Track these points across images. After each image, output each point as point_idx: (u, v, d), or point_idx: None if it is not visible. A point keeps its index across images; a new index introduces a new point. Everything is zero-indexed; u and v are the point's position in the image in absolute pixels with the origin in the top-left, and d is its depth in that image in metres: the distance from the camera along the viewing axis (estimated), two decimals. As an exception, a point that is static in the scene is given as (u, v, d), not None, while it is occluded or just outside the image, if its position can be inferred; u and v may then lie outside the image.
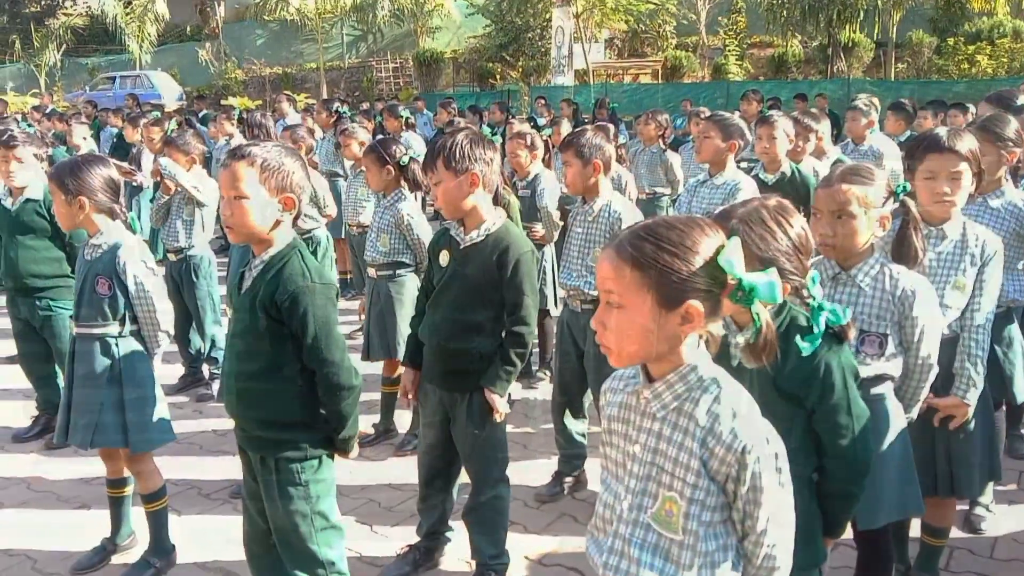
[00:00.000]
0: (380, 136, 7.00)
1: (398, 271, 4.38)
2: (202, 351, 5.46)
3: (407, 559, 3.26)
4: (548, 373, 5.38)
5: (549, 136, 6.46)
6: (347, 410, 2.46)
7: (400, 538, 3.46)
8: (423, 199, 6.83)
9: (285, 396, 2.43)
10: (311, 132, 7.23)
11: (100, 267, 3.18)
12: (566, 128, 6.95)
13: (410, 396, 3.24)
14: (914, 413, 2.58)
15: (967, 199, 2.78)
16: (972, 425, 2.79)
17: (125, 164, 6.18)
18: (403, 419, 4.59)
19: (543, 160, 5.52)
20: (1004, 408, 3.97)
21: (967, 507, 3.48)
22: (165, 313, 3.28)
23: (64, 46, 29.73)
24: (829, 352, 1.98)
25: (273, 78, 28.86)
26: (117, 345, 3.20)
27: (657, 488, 1.59)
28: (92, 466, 3.93)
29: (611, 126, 6.03)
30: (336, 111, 9.07)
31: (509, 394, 4.97)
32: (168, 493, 3.38)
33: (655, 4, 24.98)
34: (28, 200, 4.46)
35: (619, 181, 6.06)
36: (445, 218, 3.06)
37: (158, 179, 5.17)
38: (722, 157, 4.31)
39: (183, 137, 5.38)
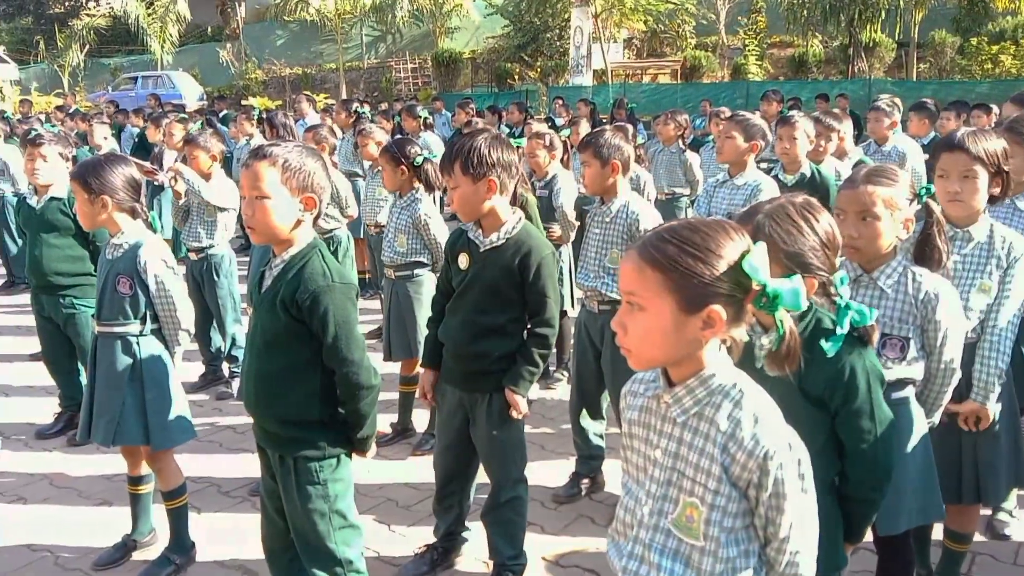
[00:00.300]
0: (398, 136, 7.02)
1: (416, 271, 4.40)
2: (222, 350, 5.50)
3: (424, 559, 3.27)
4: (565, 374, 5.37)
5: (568, 136, 6.44)
6: (366, 409, 2.47)
7: (417, 537, 3.47)
8: (440, 199, 6.84)
9: (304, 395, 2.44)
10: (332, 131, 7.26)
11: (121, 266, 3.20)
12: (585, 128, 6.94)
13: (428, 397, 3.24)
14: (936, 418, 2.55)
15: (992, 201, 2.74)
16: (997, 429, 2.76)
17: (147, 163, 6.23)
18: (421, 418, 4.60)
19: (561, 160, 5.51)
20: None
21: (990, 512, 3.44)
22: (185, 312, 3.30)
23: (87, 47, 30.04)
24: (854, 355, 1.95)
25: (293, 78, 29.02)
26: (138, 344, 3.23)
27: (678, 494, 1.58)
28: (113, 463, 3.98)
29: (630, 126, 6.01)
30: (355, 111, 9.10)
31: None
32: (188, 490, 3.40)
33: (674, 4, 24.88)
34: (53, 198, 4.51)
35: (638, 181, 6.03)
36: (462, 221, 3.06)
37: (174, 173, 5.20)
38: (743, 158, 4.29)
39: (203, 135, 5.43)
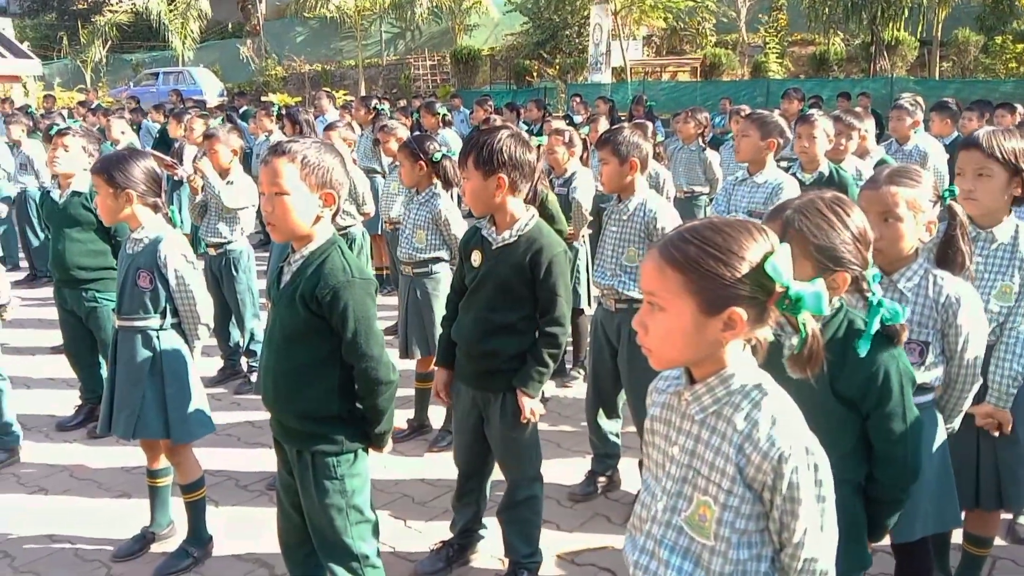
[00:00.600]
0: (417, 133, 7.03)
1: (433, 267, 4.40)
2: (241, 344, 5.53)
3: (441, 555, 3.27)
4: (582, 372, 5.36)
5: (587, 134, 6.43)
6: (384, 405, 2.48)
7: (433, 533, 3.48)
8: (459, 196, 6.85)
9: (322, 390, 2.45)
10: (350, 127, 7.28)
11: (142, 261, 3.23)
12: (603, 126, 6.92)
13: (442, 396, 3.24)
14: (956, 424, 2.51)
15: (1018, 202, 2.69)
16: (1017, 433, 2.72)
17: (167, 158, 6.28)
18: (437, 415, 4.61)
19: (580, 158, 5.50)
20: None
21: (1011, 517, 3.40)
22: (205, 306, 3.32)
23: (109, 43, 30.28)
24: (887, 357, 1.92)
25: (312, 75, 29.13)
26: (158, 338, 3.25)
27: (692, 491, 1.57)
28: (133, 455, 4.01)
29: (649, 124, 5.99)
30: (374, 108, 9.13)
31: (543, 392, 4.98)
32: (206, 484, 3.43)
33: (694, 1, 24.75)
34: (75, 193, 4.55)
35: (657, 179, 6.01)
36: (475, 215, 3.05)
37: (198, 171, 5.23)
38: (761, 155, 4.26)
39: (223, 130, 5.46)
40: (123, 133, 8.56)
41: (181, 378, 3.26)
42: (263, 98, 22.52)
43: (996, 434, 2.69)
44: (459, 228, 4.28)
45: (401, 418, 4.44)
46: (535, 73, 26.54)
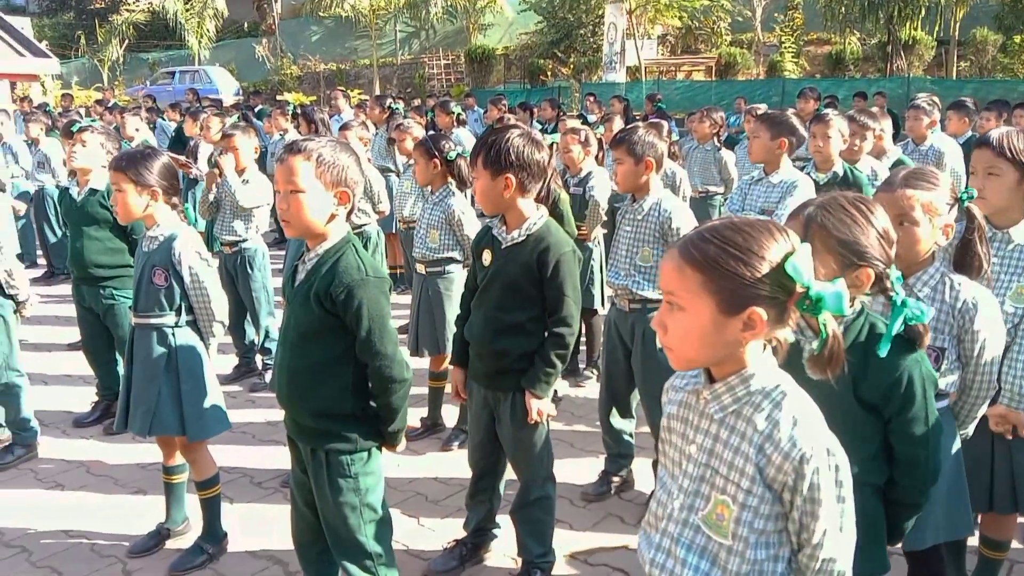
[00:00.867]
0: (432, 132, 7.04)
1: (447, 267, 4.41)
2: (255, 342, 5.56)
3: (454, 554, 3.28)
4: (595, 372, 5.35)
5: (601, 134, 6.42)
6: (397, 403, 2.49)
7: (446, 532, 3.48)
8: (472, 196, 6.85)
9: (337, 388, 2.46)
10: (365, 126, 7.31)
11: (157, 258, 3.25)
12: (618, 125, 6.90)
13: (459, 395, 3.25)
14: (969, 431, 2.48)
15: None
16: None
17: (180, 157, 6.32)
18: (450, 413, 4.62)
19: (596, 158, 5.48)
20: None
21: (1027, 520, 3.38)
22: (220, 304, 3.34)
23: (126, 42, 30.51)
24: (911, 362, 1.90)
25: (327, 74, 29.23)
26: (174, 335, 3.27)
27: (710, 490, 1.56)
28: (149, 452, 4.04)
29: (664, 123, 5.96)
30: (389, 107, 9.15)
31: (556, 391, 4.97)
32: (221, 481, 3.45)
33: (709, 0, 24.68)
34: (92, 191, 4.59)
35: (674, 178, 5.99)
36: (486, 215, 3.05)
37: (218, 169, 5.26)
38: (774, 155, 4.23)
39: (241, 129, 5.49)
40: (137, 130, 8.62)
41: (197, 375, 3.28)
42: (278, 97, 22.66)
43: (1010, 437, 2.67)
44: (472, 228, 4.29)
45: (415, 417, 4.45)
46: (549, 72, 26.52)
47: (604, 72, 23.82)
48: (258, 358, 5.58)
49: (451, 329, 4.11)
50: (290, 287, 2.54)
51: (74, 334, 5.11)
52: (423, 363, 4.65)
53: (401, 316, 6.28)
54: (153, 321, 3.27)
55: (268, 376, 5.30)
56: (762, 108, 7.48)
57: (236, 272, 5.35)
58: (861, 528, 1.57)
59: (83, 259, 4.52)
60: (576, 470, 4.03)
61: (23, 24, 22.43)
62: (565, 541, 3.40)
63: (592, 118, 11.06)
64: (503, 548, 3.35)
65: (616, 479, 3.91)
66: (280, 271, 5.16)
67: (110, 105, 16.35)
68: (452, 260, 4.41)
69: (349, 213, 2.48)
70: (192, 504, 3.50)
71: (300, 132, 8.41)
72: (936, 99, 6.76)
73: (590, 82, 23.57)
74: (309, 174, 2.37)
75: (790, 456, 1.47)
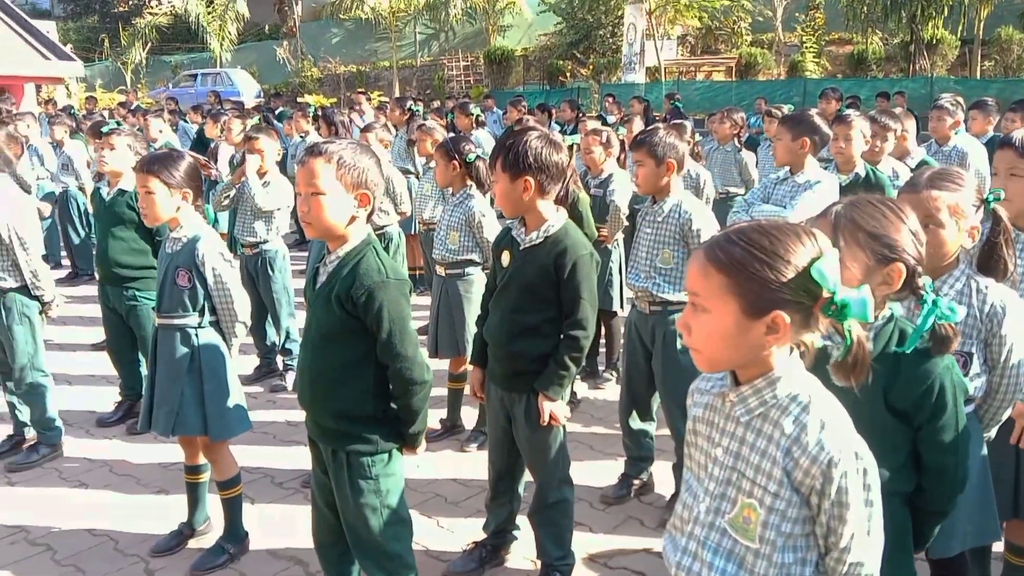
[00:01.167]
0: (452, 134, 7.07)
1: (467, 269, 4.41)
2: (276, 343, 5.59)
3: (473, 556, 3.28)
4: (615, 374, 5.34)
5: (623, 135, 6.39)
6: (418, 405, 2.49)
7: (466, 533, 3.49)
8: (491, 197, 6.86)
9: (358, 390, 2.47)
10: (386, 128, 7.33)
11: (180, 260, 3.27)
12: (638, 126, 6.88)
13: (478, 395, 3.25)
14: (992, 433, 2.45)
15: None
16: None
17: (201, 157, 6.35)
18: (469, 415, 4.62)
19: (617, 159, 5.44)
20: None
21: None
22: (242, 304, 3.36)
23: (149, 44, 30.82)
24: (942, 370, 1.88)
25: (348, 76, 29.38)
26: (197, 336, 3.30)
27: (736, 494, 1.56)
28: (171, 452, 4.07)
29: (687, 123, 5.92)
30: (409, 109, 9.18)
31: (574, 393, 4.95)
32: (242, 481, 3.47)
33: (730, 0, 24.56)
34: (121, 191, 4.64)
35: (697, 179, 5.95)
36: (505, 217, 3.05)
37: (241, 171, 5.29)
38: (797, 156, 4.16)
39: (264, 132, 5.52)
40: (160, 132, 8.69)
41: (219, 375, 3.30)
42: (299, 99, 22.79)
43: None
44: (492, 231, 4.29)
45: (434, 418, 4.45)
46: (568, 73, 26.51)
47: (623, 73, 23.77)
48: (279, 359, 5.61)
49: (471, 331, 4.11)
50: (311, 289, 2.55)
51: (98, 335, 5.17)
52: (442, 365, 4.66)
53: (421, 318, 6.30)
54: (176, 322, 3.29)
55: (289, 377, 5.33)
56: (784, 108, 7.41)
57: (257, 273, 5.38)
58: (889, 536, 1.56)
59: (108, 259, 4.57)
60: (595, 472, 4.02)
61: (48, 28, 22.72)
62: (584, 544, 3.39)
63: (611, 119, 11.04)
64: (523, 550, 3.35)
65: (636, 482, 3.89)
66: (301, 272, 5.19)
67: (133, 107, 16.49)
68: (471, 262, 4.41)
69: (369, 215, 2.49)
70: (214, 504, 3.52)
71: (320, 134, 8.46)
72: (960, 99, 6.67)
73: (609, 83, 23.52)
74: (330, 176, 2.38)
75: (818, 460, 1.46)
